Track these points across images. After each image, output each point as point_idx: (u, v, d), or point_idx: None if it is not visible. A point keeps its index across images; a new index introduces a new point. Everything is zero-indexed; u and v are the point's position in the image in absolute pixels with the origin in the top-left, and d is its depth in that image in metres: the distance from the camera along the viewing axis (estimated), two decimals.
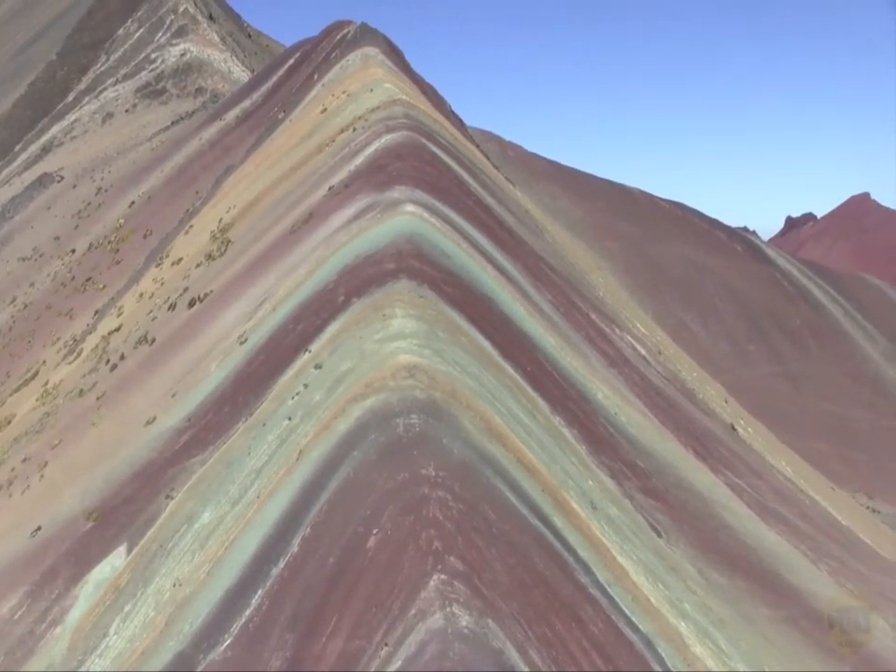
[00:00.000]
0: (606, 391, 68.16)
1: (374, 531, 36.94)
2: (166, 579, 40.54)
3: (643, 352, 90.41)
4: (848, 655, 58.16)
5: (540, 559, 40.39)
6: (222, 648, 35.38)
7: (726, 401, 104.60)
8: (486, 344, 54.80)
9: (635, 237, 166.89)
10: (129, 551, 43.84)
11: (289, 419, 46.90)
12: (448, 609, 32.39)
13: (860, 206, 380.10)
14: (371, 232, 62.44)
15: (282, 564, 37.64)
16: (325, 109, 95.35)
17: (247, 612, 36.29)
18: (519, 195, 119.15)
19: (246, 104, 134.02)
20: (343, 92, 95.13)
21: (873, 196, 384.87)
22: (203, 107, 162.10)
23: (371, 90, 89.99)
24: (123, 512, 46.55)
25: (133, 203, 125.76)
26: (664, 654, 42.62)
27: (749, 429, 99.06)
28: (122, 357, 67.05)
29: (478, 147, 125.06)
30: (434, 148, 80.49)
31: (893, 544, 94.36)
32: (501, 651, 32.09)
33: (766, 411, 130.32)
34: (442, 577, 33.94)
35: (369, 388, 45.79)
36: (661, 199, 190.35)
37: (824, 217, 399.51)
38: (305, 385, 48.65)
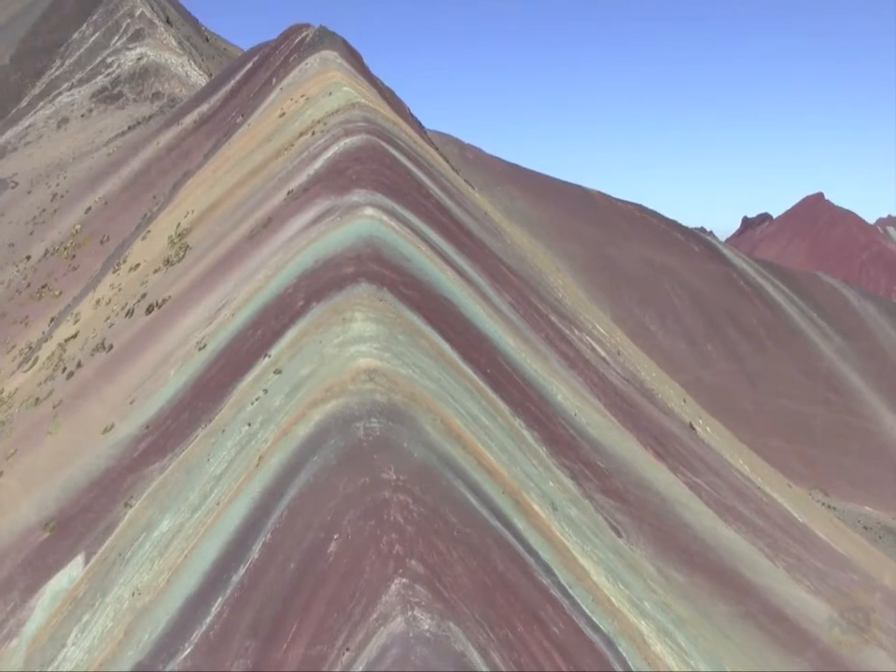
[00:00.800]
0: (566, 392, 68.39)
1: (335, 536, 36.86)
2: (125, 588, 40.26)
3: (602, 353, 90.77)
4: (806, 650, 58.69)
5: (502, 561, 40.47)
6: (182, 657, 35.18)
7: (685, 400, 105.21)
8: (446, 347, 54.86)
9: (593, 238, 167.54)
10: (87, 560, 43.50)
11: (249, 425, 46.71)
12: (409, 613, 32.38)
13: (814, 206, 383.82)
14: (331, 236, 62.32)
15: (242, 571, 37.48)
16: (283, 113, 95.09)
17: (207, 620, 36.10)
18: (478, 197, 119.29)
19: (204, 108, 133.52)
20: (302, 96, 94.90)
21: (826, 196, 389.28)
22: (161, 112, 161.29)
23: (330, 93, 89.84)
24: (81, 521, 46.19)
25: (89, 208, 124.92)
26: (624, 654, 42.82)
27: (708, 428, 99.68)
28: (79, 365, 66.52)
29: (437, 149, 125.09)
30: (393, 151, 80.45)
31: (849, 540, 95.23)
32: (463, 654, 32.11)
33: (724, 409, 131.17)
34: (404, 581, 33.92)
35: (329, 393, 45.71)
36: (619, 200, 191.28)
37: (779, 217, 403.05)
38: (265, 391, 48.47)
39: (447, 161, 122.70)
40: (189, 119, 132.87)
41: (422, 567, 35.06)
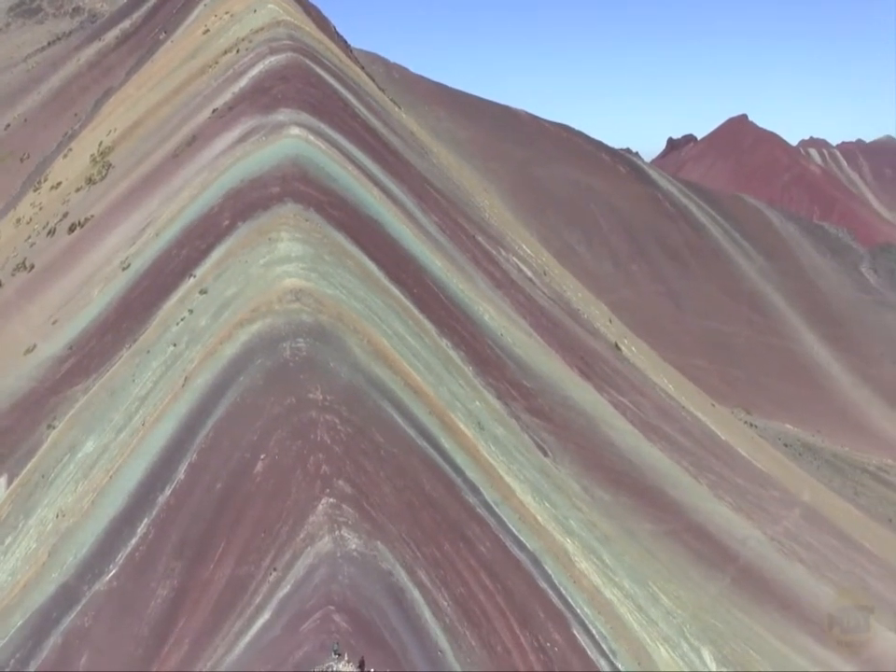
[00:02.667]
0: (492, 312, 68.62)
1: (262, 456, 36.84)
2: (49, 510, 40.01)
3: (529, 273, 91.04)
4: (728, 566, 60.03)
5: (428, 481, 40.73)
6: (107, 578, 35.10)
7: (610, 321, 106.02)
8: (373, 267, 54.69)
9: (520, 159, 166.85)
10: (9, 482, 43.15)
11: (174, 345, 46.36)
12: (337, 533, 32.53)
13: (738, 127, 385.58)
14: (256, 156, 61.62)
15: (168, 491, 37.36)
16: (207, 30, 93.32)
17: (133, 541, 36.00)
18: (405, 117, 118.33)
19: (126, 24, 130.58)
20: (226, 13, 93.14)
21: (750, 118, 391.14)
22: (81, 27, 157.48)
23: (255, 10, 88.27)
24: (2, 443, 45.73)
25: (8, 125, 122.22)
26: (550, 571, 43.47)
27: (633, 348, 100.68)
28: (0, 285, 65.41)
29: (363, 68, 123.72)
30: (319, 70, 79.39)
31: (769, 457, 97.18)
32: (390, 573, 32.38)
33: (649, 329, 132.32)
34: (331, 500, 34.04)
35: (255, 313, 45.43)
36: (546, 120, 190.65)
37: (704, 139, 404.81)
38: (190, 311, 48.09)
39: (373, 81, 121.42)
40: (110, 36, 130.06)
41: (349, 487, 35.18)
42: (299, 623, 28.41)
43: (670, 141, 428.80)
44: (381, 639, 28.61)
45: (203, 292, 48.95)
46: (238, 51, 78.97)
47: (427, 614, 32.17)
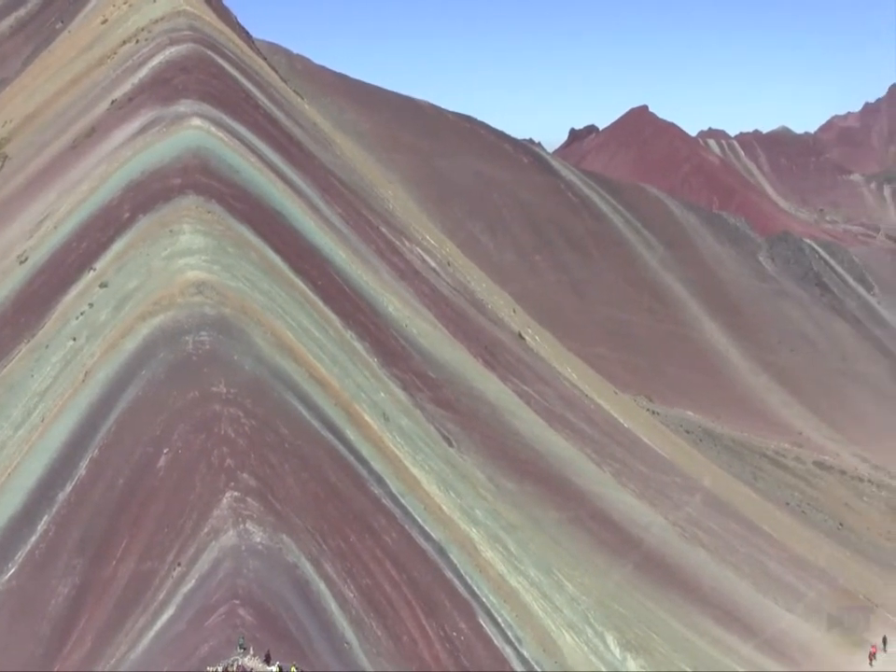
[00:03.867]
0: (397, 303, 68.81)
1: (165, 450, 36.61)
2: None
3: (433, 264, 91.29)
4: (631, 552, 60.91)
5: (334, 472, 40.82)
6: (6, 577, 34.67)
7: (514, 310, 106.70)
8: (276, 259, 54.55)
9: (423, 150, 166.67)
10: None
11: (74, 339, 45.77)
12: (241, 526, 32.50)
13: (639, 118, 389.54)
14: (157, 147, 60.99)
15: (69, 488, 36.94)
16: (106, 20, 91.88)
17: (33, 539, 35.56)
18: (307, 108, 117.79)
19: (21, 12, 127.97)
20: (125, 3, 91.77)
21: (651, 109, 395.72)
22: None
23: (155, 0, 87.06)
24: None
25: None
26: (456, 561, 43.87)
27: (537, 337, 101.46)
28: None
29: (265, 59, 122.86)
30: (220, 61, 78.74)
31: (671, 444, 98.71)
32: (296, 566, 32.45)
33: (552, 318, 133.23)
34: (235, 494, 33.98)
35: (157, 306, 45.05)
36: (449, 111, 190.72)
37: (606, 129, 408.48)
38: (90, 305, 47.50)
39: (275, 72, 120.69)
40: (5, 24, 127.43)
41: (254, 480, 35.15)
42: (204, 618, 28.33)
43: (572, 132, 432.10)
44: (286, 632, 28.64)
45: (103, 286, 48.43)
46: (138, 42, 77.91)
47: (332, 606, 32.29)
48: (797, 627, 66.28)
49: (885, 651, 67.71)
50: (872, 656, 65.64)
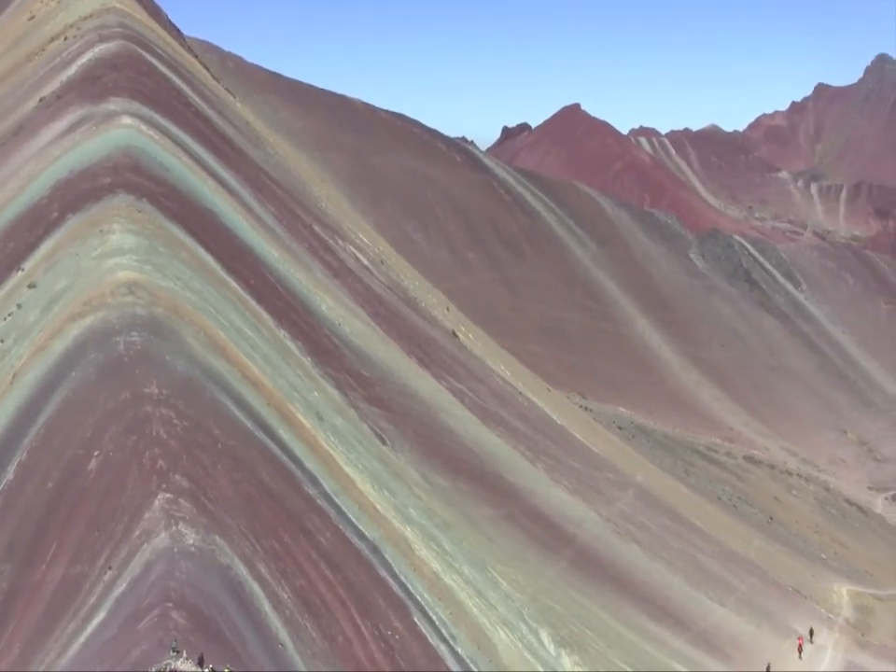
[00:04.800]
0: (330, 302, 68.71)
1: (95, 453, 36.28)
2: None
3: (366, 262, 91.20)
4: (565, 548, 61.32)
5: (267, 473, 40.71)
6: None
7: (448, 308, 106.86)
8: (208, 258, 54.24)
9: (356, 148, 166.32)
10: None
11: (2, 341, 45.20)
12: (174, 528, 32.30)
13: (571, 117, 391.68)
14: (86, 146, 60.33)
15: None
16: (33, 17, 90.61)
17: None
18: (240, 107, 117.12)
19: None
20: None
21: (583, 107, 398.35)
22: None
23: None
24: None
25: None
26: (390, 560, 43.94)
27: (470, 335, 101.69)
28: None
29: (197, 57, 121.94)
30: (151, 59, 78.02)
31: (604, 440, 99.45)
32: (229, 567, 32.32)
33: (486, 316, 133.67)
34: (167, 496, 33.76)
35: (87, 306, 44.62)
36: (382, 110, 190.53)
37: (538, 127, 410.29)
38: (18, 306, 46.95)
39: (207, 70, 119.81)
40: None
41: (186, 482, 34.94)
42: (135, 622, 28.14)
43: (505, 129, 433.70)
44: (220, 635, 28.53)
45: (31, 286, 47.93)
46: (66, 39, 76.92)
47: (266, 607, 32.22)
48: (728, 621, 67.09)
49: (812, 643, 68.76)
50: (799, 649, 66.64)
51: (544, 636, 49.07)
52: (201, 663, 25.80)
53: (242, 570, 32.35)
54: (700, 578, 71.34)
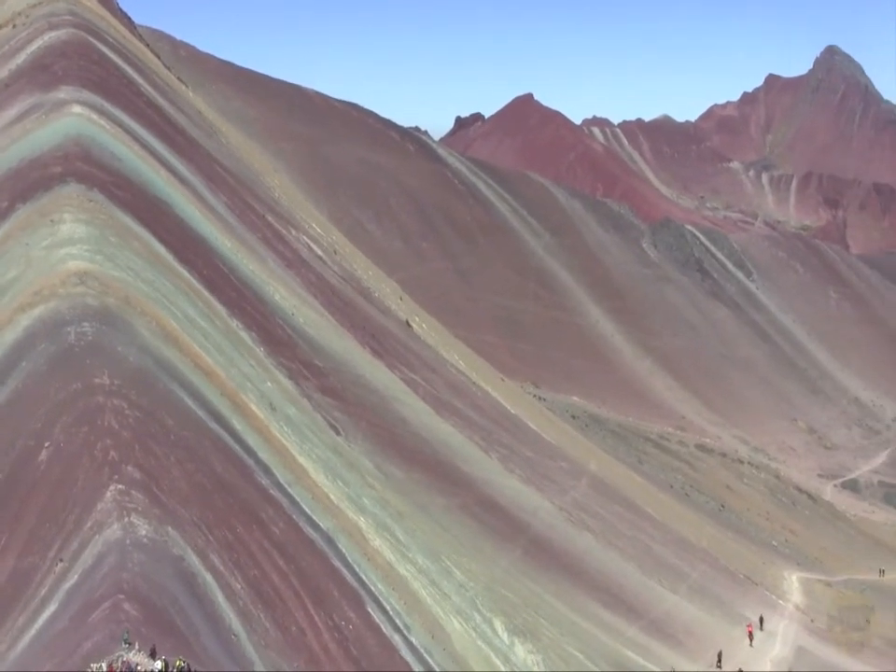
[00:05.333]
0: (283, 292, 68.50)
1: (46, 444, 35.99)
2: None
3: (319, 252, 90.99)
4: (519, 537, 61.55)
5: (220, 463, 40.55)
6: None
7: (401, 298, 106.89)
8: (161, 249, 53.88)
9: (310, 138, 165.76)
10: None
11: None
12: (126, 520, 32.10)
13: (524, 106, 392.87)
14: (36, 135, 59.74)
15: None
16: None
17: None
18: (192, 96, 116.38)
19: None
20: None
21: (536, 97, 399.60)
22: None
23: None
24: None
25: None
26: (344, 550, 43.91)
27: (424, 325, 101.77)
28: None
29: (148, 46, 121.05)
30: (102, 47, 77.30)
31: (557, 429, 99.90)
32: (182, 558, 32.17)
33: (439, 306, 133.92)
34: (119, 487, 33.54)
35: (37, 297, 44.22)
36: (335, 100, 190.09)
37: (492, 117, 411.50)
38: None
39: (159, 58, 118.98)
40: None
41: (138, 473, 34.73)
42: (87, 614, 27.96)
43: (458, 119, 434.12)
44: (173, 626, 28.42)
45: None
46: (14, 26, 76.08)
47: (220, 598, 32.11)
48: (681, 608, 67.67)
49: (762, 630, 69.45)
50: (749, 636, 67.26)
51: (498, 624, 49.26)
52: (153, 654, 25.69)
53: (194, 561, 32.22)
54: (653, 566, 71.90)
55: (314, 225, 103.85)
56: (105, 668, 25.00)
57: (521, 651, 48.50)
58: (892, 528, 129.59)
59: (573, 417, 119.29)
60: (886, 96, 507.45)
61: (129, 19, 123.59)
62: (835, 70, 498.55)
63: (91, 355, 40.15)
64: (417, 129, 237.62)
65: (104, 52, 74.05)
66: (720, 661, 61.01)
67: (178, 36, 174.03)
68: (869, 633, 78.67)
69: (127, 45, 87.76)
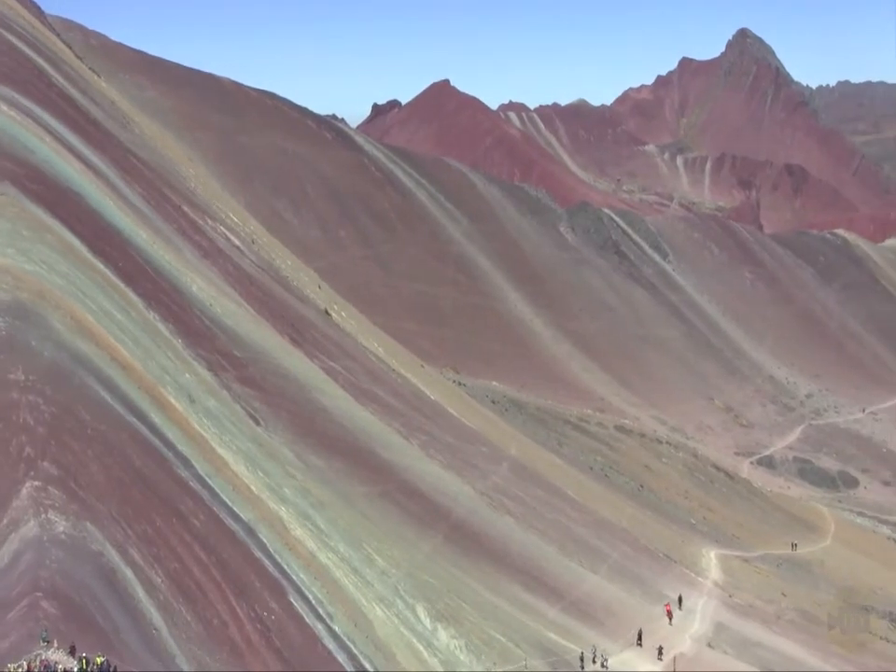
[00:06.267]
0: (200, 283, 68.19)
1: None
2: None
3: (237, 242, 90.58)
4: (440, 523, 61.99)
5: (139, 457, 40.45)
6: None
7: (319, 287, 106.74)
8: (75, 241, 53.42)
9: (226, 127, 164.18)
10: None
11: None
12: (43, 516, 31.97)
13: (441, 93, 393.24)
14: None
15: None
16: None
17: None
18: (105, 86, 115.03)
19: None
20: None
21: (452, 83, 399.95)
22: None
23: None
24: None
25: None
26: (265, 540, 44.08)
27: (343, 313, 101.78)
28: None
29: (59, 36, 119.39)
30: (10, 37, 76.20)
31: (477, 414, 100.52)
32: (101, 554, 32.12)
33: (358, 294, 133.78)
34: (36, 483, 33.38)
35: None
36: (251, 88, 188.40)
37: (408, 104, 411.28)
38: None
39: (70, 48, 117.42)
40: None
41: (55, 469, 34.58)
42: (4, 613, 27.83)
43: (375, 106, 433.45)
44: (92, 623, 28.40)
45: None
46: None
47: (140, 593, 32.12)
48: (601, 588, 68.50)
49: (680, 609, 70.34)
50: (668, 615, 68.07)
51: (420, 610, 49.69)
52: (72, 652, 25.66)
53: (114, 556, 32.20)
54: (573, 547, 72.70)
55: (231, 215, 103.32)
56: (24, 667, 24.95)
57: (443, 636, 48.98)
58: (806, 503, 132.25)
59: (493, 402, 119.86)
60: (796, 78, 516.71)
61: (38, 8, 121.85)
62: (747, 53, 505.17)
63: (4, 350, 39.81)
64: (334, 117, 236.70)
65: (12, 42, 73.11)
66: (640, 639, 61.85)
67: (90, 26, 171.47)
68: (784, 606, 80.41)
69: (36, 34, 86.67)
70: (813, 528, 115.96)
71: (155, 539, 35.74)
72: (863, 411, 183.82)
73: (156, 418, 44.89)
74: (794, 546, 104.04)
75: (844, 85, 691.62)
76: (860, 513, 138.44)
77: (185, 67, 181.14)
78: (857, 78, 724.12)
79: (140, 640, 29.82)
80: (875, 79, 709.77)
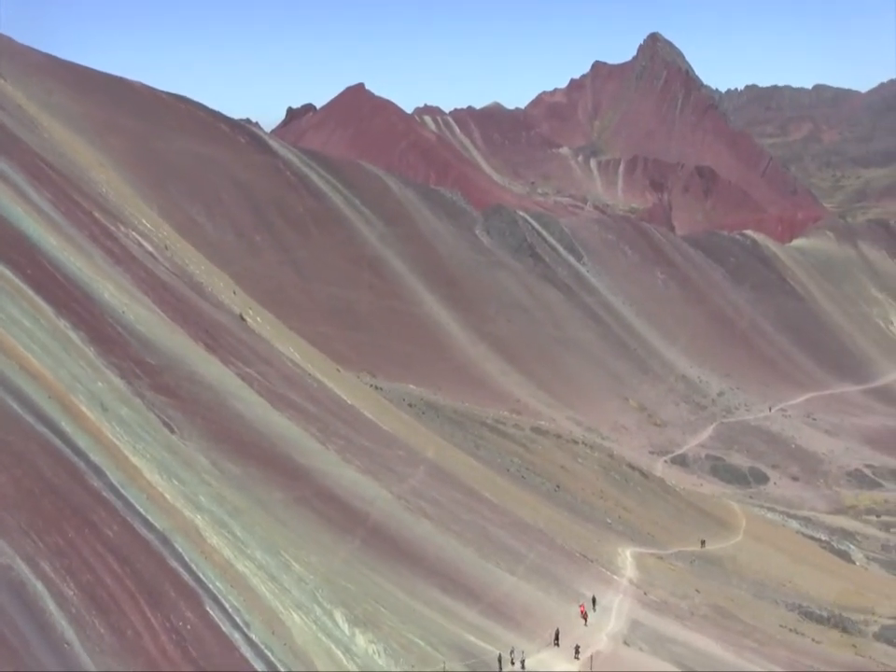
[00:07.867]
0: (112, 290, 67.45)
1: None
2: None
3: (149, 248, 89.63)
4: (357, 527, 61.98)
5: (49, 467, 39.93)
6: None
7: (234, 292, 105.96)
8: None
9: (138, 132, 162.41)
10: None
11: None
12: None
13: (355, 96, 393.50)
14: None
15: None
16: None
17: None
18: (11, 89, 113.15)
19: None
20: None
21: (367, 87, 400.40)
22: None
23: None
24: None
25: None
26: (181, 549, 43.70)
27: (258, 318, 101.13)
28: None
29: None
30: None
31: (395, 418, 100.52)
32: (10, 567, 31.68)
33: (273, 298, 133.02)
34: None
35: None
36: (163, 92, 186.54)
37: (323, 107, 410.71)
38: None
39: None
40: None
41: None
42: None
43: (290, 110, 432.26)
44: (1, 638, 28.02)
45: None
46: None
47: (51, 606, 31.72)
48: (519, 589, 68.90)
49: (594, 609, 70.81)
50: (583, 616, 68.51)
51: (338, 616, 49.62)
52: None
53: (24, 569, 31.76)
54: (490, 549, 73.03)
55: (143, 221, 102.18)
56: None
57: (362, 642, 48.98)
58: (719, 500, 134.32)
59: (410, 405, 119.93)
60: (705, 82, 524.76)
61: None
62: (658, 57, 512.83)
63: None
64: (248, 121, 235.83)
65: None
66: (557, 639, 62.29)
67: None
68: (697, 601, 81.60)
69: None
70: (725, 525, 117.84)
71: (67, 550, 35.30)
72: (770, 409, 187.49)
73: (67, 427, 44.32)
74: (703, 543, 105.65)
75: (752, 89, 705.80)
76: (770, 509, 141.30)
77: (95, 71, 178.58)
78: (764, 83, 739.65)
79: (51, 654, 29.46)
80: (781, 83, 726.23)
